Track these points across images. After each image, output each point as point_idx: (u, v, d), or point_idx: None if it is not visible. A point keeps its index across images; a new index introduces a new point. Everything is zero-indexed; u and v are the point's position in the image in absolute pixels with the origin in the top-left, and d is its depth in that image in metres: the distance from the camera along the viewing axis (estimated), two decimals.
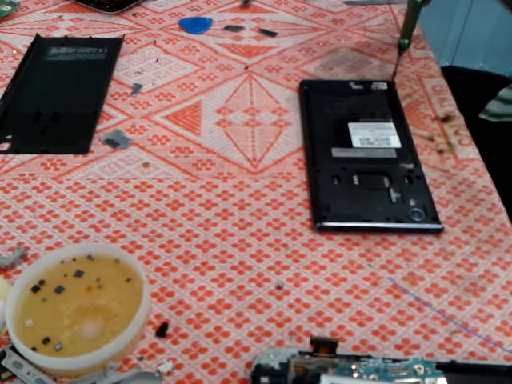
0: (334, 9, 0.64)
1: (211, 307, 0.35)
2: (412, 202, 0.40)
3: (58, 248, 0.38)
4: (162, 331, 0.34)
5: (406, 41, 0.49)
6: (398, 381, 0.29)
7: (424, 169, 0.43)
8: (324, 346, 0.31)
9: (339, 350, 0.31)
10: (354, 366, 0.30)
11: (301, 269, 0.37)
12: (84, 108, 0.49)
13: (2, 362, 0.32)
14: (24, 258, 0.38)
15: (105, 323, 0.33)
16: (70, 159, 0.45)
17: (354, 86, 0.51)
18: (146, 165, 0.44)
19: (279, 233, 0.39)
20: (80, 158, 0.45)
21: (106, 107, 0.50)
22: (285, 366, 0.30)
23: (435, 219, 0.39)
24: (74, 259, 0.36)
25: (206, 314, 0.35)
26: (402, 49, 0.49)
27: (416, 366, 0.30)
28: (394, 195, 0.41)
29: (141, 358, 0.32)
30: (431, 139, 0.47)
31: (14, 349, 0.32)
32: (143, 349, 0.33)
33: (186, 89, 0.52)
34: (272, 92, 0.52)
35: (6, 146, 0.46)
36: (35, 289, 0.34)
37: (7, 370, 0.31)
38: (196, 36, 0.59)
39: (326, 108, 0.48)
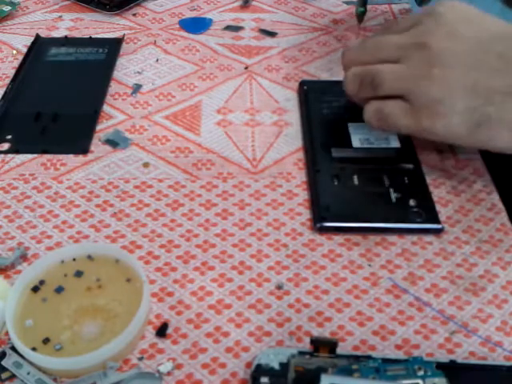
0: (334, 9, 0.64)
1: (211, 307, 0.35)
2: (412, 202, 0.40)
3: (58, 248, 0.38)
4: (162, 331, 0.34)
5: (362, 9, 0.55)
6: (397, 381, 0.29)
7: (424, 169, 0.43)
8: (324, 346, 0.31)
9: (339, 350, 0.31)
10: (354, 366, 0.30)
11: (301, 269, 0.37)
12: (84, 108, 0.49)
13: (2, 362, 0.32)
14: (24, 258, 0.38)
15: (105, 323, 0.33)
16: (70, 159, 0.45)
17: None
18: (146, 165, 0.44)
19: (279, 233, 0.39)
20: (80, 158, 0.45)
21: (105, 107, 0.50)
22: (285, 365, 0.30)
23: (435, 219, 0.39)
24: (74, 259, 0.36)
25: (206, 314, 0.35)
26: (359, 16, 0.56)
27: (416, 366, 0.30)
28: (393, 195, 0.41)
29: (141, 358, 0.32)
30: None
31: (13, 349, 0.32)
32: (143, 349, 0.33)
33: (186, 89, 0.52)
34: (272, 92, 0.52)
35: (5, 146, 0.46)
36: (35, 289, 0.34)
37: (7, 369, 0.31)
38: (196, 36, 0.59)
39: (326, 108, 0.48)
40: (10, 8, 0.61)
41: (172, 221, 0.40)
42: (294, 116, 0.49)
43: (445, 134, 0.38)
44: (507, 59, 0.37)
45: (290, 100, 0.51)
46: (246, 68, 0.55)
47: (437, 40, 0.38)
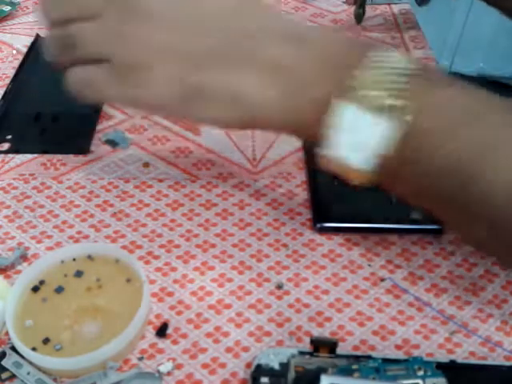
0: (334, 9, 0.64)
1: (211, 307, 0.35)
2: None
3: (58, 248, 0.38)
4: (162, 331, 0.34)
5: (361, 10, 0.57)
6: (397, 381, 0.29)
7: None
8: (324, 346, 0.31)
9: (339, 350, 0.31)
10: (354, 366, 0.30)
11: (301, 269, 0.37)
12: (84, 108, 0.49)
13: (2, 362, 0.32)
14: (24, 258, 0.38)
15: (105, 323, 0.33)
16: (70, 159, 0.45)
17: None
18: (146, 165, 0.44)
19: (279, 233, 0.39)
20: (80, 158, 0.45)
21: (106, 107, 0.50)
22: (285, 366, 0.30)
23: (435, 219, 0.39)
24: (74, 259, 0.36)
25: (206, 314, 0.35)
26: (358, 17, 0.57)
27: (416, 366, 0.30)
28: (393, 195, 0.41)
29: (141, 358, 0.32)
30: None
31: (13, 349, 0.32)
32: (143, 349, 0.33)
33: None
34: None
35: (5, 146, 0.46)
36: (35, 289, 0.34)
37: (7, 369, 0.31)
38: None
39: None
40: (9, 8, 0.61)
41: (172, 221, 0.40)
42: None
43: (152, 105, 0.34)
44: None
45: None
46: None
47: None
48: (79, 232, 0.39)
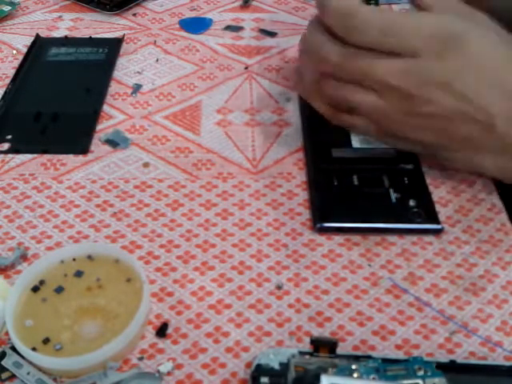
0: None
1: (211, 307, 0.35)
2: (412, 202, 0.40)
3: (58, 248, 0.38)
4: (162, 331, 0.34)
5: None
6: (397, 381, 0.29)
7: (424, 169, 0.43)
8: (324, 346, 0.31)
9: (339, 350, 0.31)
10: (354, 366, 0.30)
11: (301, 269, 0.37)
12: (84, 108, 0.49)
13: (2, 362, 0.32)
14: (24, 258, 0.38)
15: (105, 323, 0.33)
16: (70, 159, 0.45)
17: None
18: (146, 165, 0.44)
19: (279, 233, 0.39)
20: (80, 158, 0.45)
21: (106, 107, 0.50)
22: (285, 366, 0.30)
23: (435, 219, 0.39)
24: (74, 259, 0.36)
25: (206, 314, 0.35)
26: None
27: (416, 366, 0.30)
28: (393, 195, 0.41)
29: (141, 358, 0.32)
30: None
31: (13, 349, 0.32)
32: (143, 349, 0.33)
33: (186, 89, 0.52)
34: (272, 92, 0.52)
35: (5, 146, 0.46)
36: (35, 289, 0.34)
37: (7, 369, 0.31)
38: (196, 36, 0.59)
39: None
40: (9, 8, 0.61)
41: (172, 221, 0.40)
42: (294, 116, 0.49)
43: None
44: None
45: (290, 100, 0.51)
46: (246, 68, 0.55)
47: (424, 94, 0.37)
48: (79, 232, 0.39)
